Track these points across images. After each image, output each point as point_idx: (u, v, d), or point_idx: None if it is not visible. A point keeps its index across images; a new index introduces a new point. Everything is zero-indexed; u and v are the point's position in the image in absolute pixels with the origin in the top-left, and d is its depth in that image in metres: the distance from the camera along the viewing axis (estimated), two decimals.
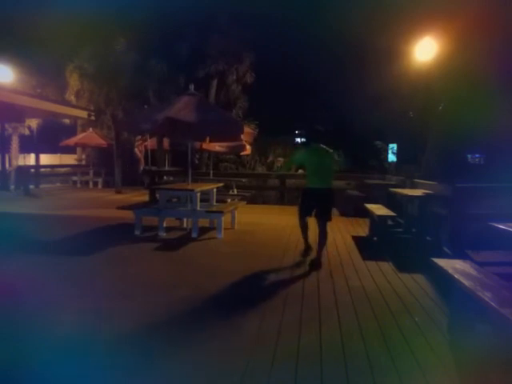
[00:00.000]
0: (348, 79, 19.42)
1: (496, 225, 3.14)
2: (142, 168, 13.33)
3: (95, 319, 3.10)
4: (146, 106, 14.60)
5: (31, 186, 13.39)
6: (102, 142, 15.59)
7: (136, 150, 13.53)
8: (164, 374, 2.37)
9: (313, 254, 4.95)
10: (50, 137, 17.51)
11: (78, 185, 16.11)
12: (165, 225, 6.51)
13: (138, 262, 4.96)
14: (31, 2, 14.92)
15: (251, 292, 3.89)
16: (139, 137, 13.29)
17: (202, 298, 3.66)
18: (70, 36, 13.95)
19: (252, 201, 10.20)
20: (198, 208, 6.43)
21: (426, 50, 8.73)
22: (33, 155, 17.35)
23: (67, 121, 17.07)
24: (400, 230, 6.31)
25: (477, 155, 12.03)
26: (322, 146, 5.06)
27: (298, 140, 29.92)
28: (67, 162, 18.69)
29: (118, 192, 13.20)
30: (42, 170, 16.33)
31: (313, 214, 4.93)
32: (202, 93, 10.72)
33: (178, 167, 13.24)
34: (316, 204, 4.91)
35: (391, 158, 19.73)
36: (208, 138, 8.37)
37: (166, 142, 13.48)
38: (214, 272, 4.47)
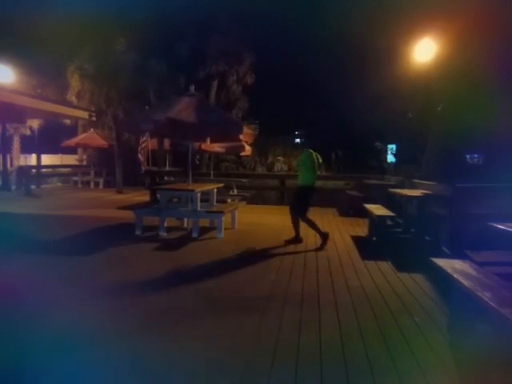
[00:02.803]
0: (348, 79, 19.45)
1: (495, 225, 3.14)
2: (143, 169, 13.41)
3: (95, 319, 3.11)
4: (146, 107, 14.60)
5: (32, 186, 13.39)
6: (102, 143, 15.61)
7: (139, 154, 13.65)
8: (164, 374, 2.37)
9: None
10: (51, 137, 17.50)
11: (79, 185, 16.13)
12: (165, 225, 6.52)
13: (138, 261, 4.97)
14: (31, 2, 14.92)
15: (251, 291, 3.89)
16: (143, 138, 13.36)
17: (202, 298, 3.66)
18: (70, 36, 13.93)
19: (252, 201, 10.20)
20: (199, 208, 6.45)
21: (425, 50, 8.73)
22: (34, 155, 17.35)
23: (68, 121, 17.06)
24: (399, 229, 6.30)
25: (475, 155, 12.02)
26: (311, 150, 6.00)
27: (298, 140, 30.00)
28: (68, 162, 18.70)
29: (119, 192, 13.21)
30: (43, 170, 16.32)
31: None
32: (202, 93, 10.73)
33: (179, 168, 13.25)
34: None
35: (390, 158, 19.78)
36: (208, 139, 8.40)
37: (166, 143, 13.49)
38: (214, 271, 4.48)
